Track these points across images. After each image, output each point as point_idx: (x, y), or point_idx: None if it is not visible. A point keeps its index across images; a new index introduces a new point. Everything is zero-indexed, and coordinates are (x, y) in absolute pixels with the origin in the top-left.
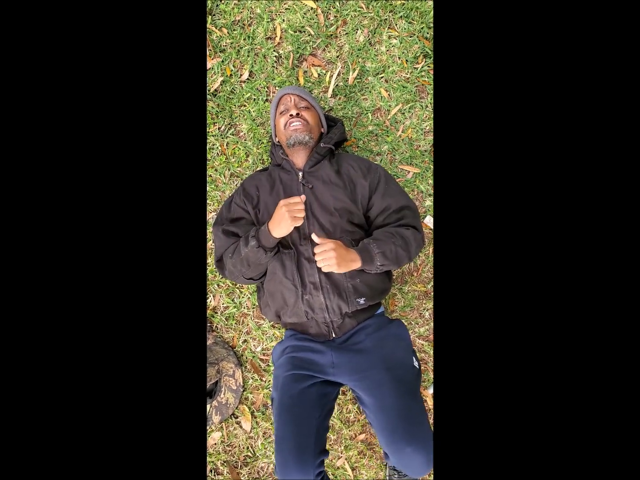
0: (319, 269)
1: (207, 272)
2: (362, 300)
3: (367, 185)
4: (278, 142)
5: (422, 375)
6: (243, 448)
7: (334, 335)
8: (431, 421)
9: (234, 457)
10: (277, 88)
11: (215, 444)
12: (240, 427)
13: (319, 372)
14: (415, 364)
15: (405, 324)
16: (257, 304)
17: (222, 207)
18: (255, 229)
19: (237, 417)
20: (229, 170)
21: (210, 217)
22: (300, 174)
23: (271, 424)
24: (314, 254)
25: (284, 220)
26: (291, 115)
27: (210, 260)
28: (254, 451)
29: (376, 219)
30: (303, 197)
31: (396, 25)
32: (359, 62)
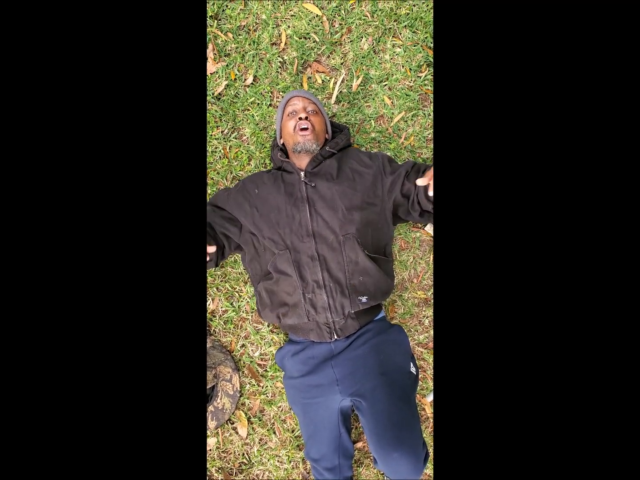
0: (322, 267)
1: (207, 275)
2: (364, 299)
3: (372, 173)
4: (282, 144)
5: (421, 382)
6: (239, 455)
7: (335, 337)
8: (430, 429)
9: (229, 463)
10: (281, 93)
11: (211, 450)
12: (237, 433)
13: (328, 392)
14: (413, 370)
15: (405, 331)
16: (255, 308)
17: (219, 190)
18: None
19: (233, 423)
20: (231, 173)
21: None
22: (302, 173)
23: (267, 430)
24: (317, 252)
25: None
26: (300, 118)
27: None
28: (249, 458)
29: (402, 187)
30: None
31: (400, 34)
32: (362, 69)
